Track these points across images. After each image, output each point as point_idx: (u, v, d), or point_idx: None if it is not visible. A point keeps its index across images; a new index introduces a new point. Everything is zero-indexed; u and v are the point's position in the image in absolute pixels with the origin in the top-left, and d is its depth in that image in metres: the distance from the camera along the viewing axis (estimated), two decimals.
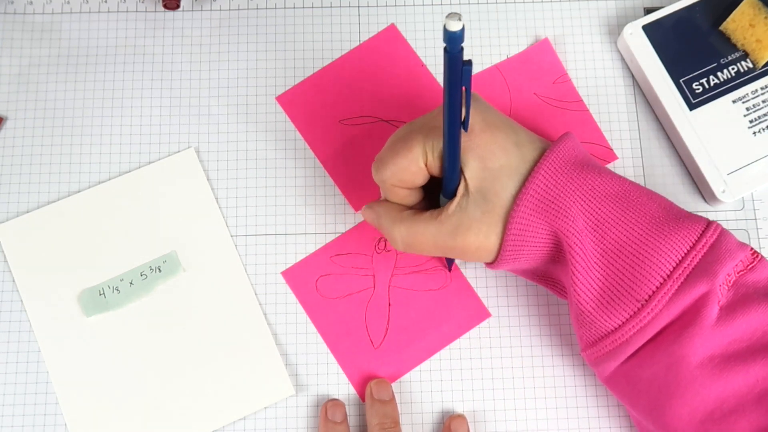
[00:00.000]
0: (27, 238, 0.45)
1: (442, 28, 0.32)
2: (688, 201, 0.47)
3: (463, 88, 0.31)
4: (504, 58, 0.49)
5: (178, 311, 0.44)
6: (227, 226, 0.46)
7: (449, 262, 0.45)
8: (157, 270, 0.45)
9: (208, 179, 0.46)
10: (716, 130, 0.46)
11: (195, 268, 0.45)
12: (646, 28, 0.47)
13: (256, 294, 0.45)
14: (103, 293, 0.44)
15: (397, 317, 0.44)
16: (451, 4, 0.50)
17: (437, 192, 0.39)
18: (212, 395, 0.43)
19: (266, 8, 0.50)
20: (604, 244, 0.35)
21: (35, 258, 0.45)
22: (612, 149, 0.47)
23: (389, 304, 0.44)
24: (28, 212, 0.46)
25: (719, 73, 0.46)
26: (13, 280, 0.45)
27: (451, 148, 0.35)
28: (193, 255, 0.45)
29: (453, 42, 0.28)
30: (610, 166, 0.47)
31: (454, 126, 0.34)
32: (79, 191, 0.46)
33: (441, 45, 0.49)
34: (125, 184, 0.46)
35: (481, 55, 0.49)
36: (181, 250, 0.45)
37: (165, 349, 0.44)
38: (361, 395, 0.44)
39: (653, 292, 0.34)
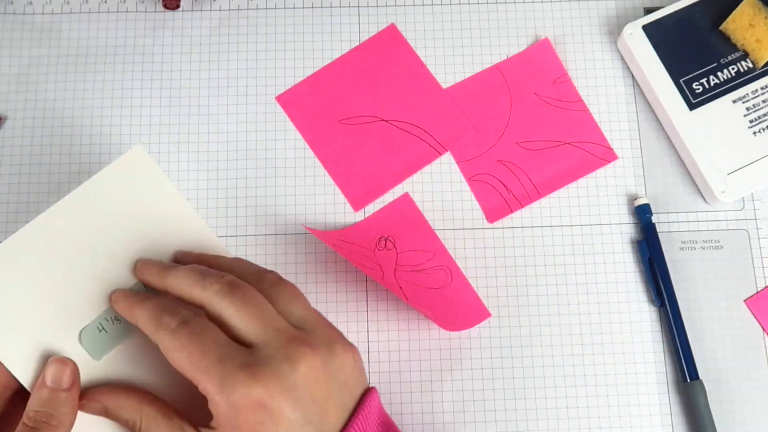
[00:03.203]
0: None
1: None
2: (688, 201, 0.47)
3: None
4: (504, 58, 0.49)
5: None
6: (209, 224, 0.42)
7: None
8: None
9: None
10: (716, 130, 0.46)
11: None
12: (646, 28, 0.47)
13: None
14: (103, 328, 0.37)
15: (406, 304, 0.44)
16: (450, 3, 0.50)
17: None
18: None
19: (266, 8, 0.50)
20: None
21: (13, 315, 0.35)
22: (612, 149, 0.47)
23: (401, 287, 0.44)
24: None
25: (719, 73, 0.46)
26: None
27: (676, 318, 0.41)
28: None
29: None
30: (610, 166, 0.47)
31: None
32: None
33: (441, 45, 0.49)
34: (79, 205, 0.37)
35: (481, 55, 0.49)
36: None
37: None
38: None
39: None
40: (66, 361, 0.34)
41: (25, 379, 0.35)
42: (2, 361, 0.34)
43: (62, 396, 0.33)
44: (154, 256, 0.37)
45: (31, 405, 0.33)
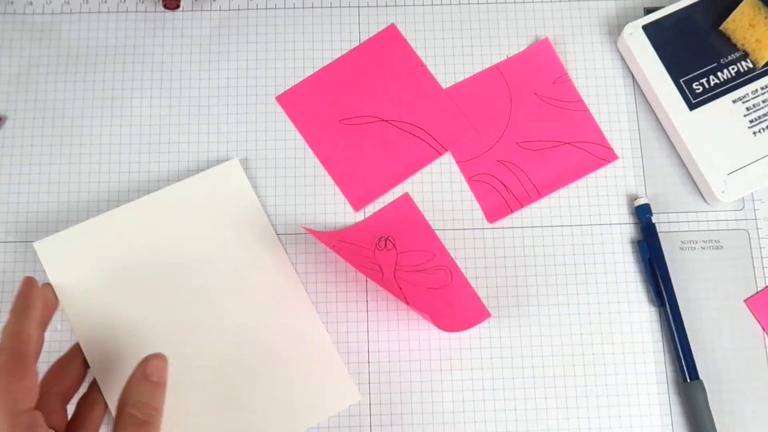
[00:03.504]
0: (71, 259, 0.43)
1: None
2: (688, 201, 0.47)
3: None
4: (504, 58, 0.49)
5: (237, 326, 0.43)
6: (273, 225, 0.46)
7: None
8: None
9: (254, 185, 0.46)
10: (716, 130, 0.46)
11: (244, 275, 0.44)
12: (646, 28, 0.47)
13: (308, 295, 0.44)
14: None
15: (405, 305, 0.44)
16: (450, 3, 0.50)
17: None
18: (279, 405, 0.42)
19: (266, 8, 0.50)
20: None
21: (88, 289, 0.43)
22: (612, 149, 0.47)
23: (400, 288, 0.44)
24: (67, 227, 0.44)
25: (719, 73, 0.46)
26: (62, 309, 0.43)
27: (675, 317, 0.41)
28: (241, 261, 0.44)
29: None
30: (610, 166, 0.47)
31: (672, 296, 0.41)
32: (78, 191, 0.46)
33: (441, 45, 0.49)
34: (170, 199, 0.45)
35: (481, 55, 0.49)
36: (230, 258, 0.44)
37: (227, 364, 0.42)
38: None
39: None
40: (164, 357, 0.35)
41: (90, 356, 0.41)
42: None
43: (162, 391, 0.35)
44: (226, 260, 0.43)
45: (138, 396, 0.34)
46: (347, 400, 0.43)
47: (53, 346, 0.44)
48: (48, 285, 0.41)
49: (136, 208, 0.44)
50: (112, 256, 0.43)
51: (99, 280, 0.43)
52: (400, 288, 0.44)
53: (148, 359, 0.36)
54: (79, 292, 0.43)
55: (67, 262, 0.43)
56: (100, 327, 0.42)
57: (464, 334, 0.45)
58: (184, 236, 0.44)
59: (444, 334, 0.44)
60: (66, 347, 0.42)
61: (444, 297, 0.45)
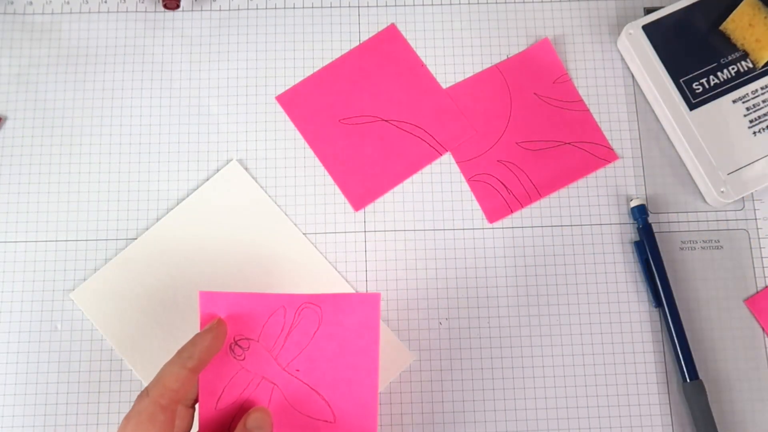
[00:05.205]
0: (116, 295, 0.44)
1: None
2: (688, 201, 0.47)
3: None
4: (504, 58, 0.49)
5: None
6: (296, 225, 0.46)
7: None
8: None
9: (259, 182, 0.46)
10: (716, 130, 0.46)
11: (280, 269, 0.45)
12: (646, 28, 0.47)
13: (347, 281, 0.44)
14: None
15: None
16: (451, 3, 0.50)
17: None
18: None
19: (266, 8, 0.50)
20: None
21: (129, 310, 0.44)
22: (612, 149, 0.47)
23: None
24: (96, 270, 0.45)
25: (719, 73, 0.46)
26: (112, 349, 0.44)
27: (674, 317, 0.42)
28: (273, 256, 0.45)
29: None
30: (610, 166, 0.47)
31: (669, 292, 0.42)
32: (78, 191, 0.46)
33: (441, 45, 0.49)
34: (181, 215, 0.46)
35: (481, 55, 0.49)
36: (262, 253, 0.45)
37: None
38: None
39: None
40: (266, 410, 0.35)
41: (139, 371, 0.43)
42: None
43: None
44: (260, 260, 0.45)
45: None
46: (404, 363, 0.44)
47: (53, 346, 0.44)
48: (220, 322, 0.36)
49: (156, 233, 0.45)
50: (147, 284, 0.44)
51: (140, 311, 0.44)
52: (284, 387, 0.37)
53: (248, 414, 0.35)
54: (125, 328, 0.44)
55: (106, 304, 0.44)
56: (156, 358, 0.42)
57: (464, 333, 0.45)
58: (212, 247, 0.45)
59: (444, 334, 0.44)
60: (68, 348, 0.42)
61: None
